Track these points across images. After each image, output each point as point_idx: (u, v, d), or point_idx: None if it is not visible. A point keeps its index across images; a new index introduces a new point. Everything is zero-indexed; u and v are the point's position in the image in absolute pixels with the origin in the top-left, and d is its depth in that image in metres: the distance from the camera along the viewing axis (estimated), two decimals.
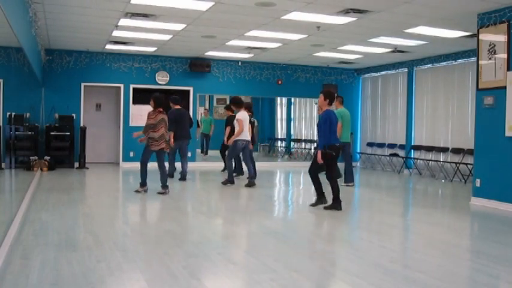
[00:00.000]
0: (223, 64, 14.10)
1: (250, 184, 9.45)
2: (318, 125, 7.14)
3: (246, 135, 9.55)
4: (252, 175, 9.55)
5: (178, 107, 10.22)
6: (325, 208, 7.04)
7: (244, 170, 10.77)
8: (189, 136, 10.47)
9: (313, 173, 7.18)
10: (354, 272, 4.14)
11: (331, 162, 7.02)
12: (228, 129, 10.56)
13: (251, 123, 10.17)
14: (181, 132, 10.09)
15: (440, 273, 4.16)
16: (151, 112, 8.26)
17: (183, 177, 10.26)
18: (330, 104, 7.15)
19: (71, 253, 4.46)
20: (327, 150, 6.91)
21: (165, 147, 8.31)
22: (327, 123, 6.96)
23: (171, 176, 10.29)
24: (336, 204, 7.00)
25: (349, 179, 9.73)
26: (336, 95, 9.40)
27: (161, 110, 8.25)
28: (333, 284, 3.90)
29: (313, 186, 7.28)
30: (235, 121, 9.60)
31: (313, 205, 7.28)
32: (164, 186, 8.27)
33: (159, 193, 8.18)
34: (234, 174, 10.14)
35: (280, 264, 4.31)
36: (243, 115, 9.54)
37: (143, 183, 8.36)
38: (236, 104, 9.80)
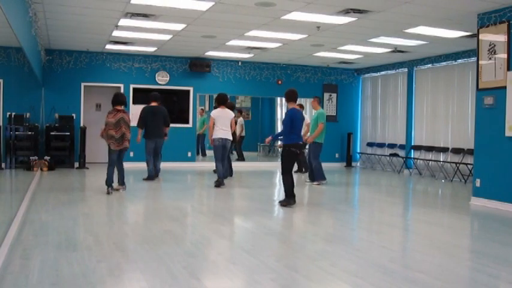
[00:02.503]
0: (223, 64, 14.10)
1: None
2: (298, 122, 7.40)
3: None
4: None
5: (154, 103, 10.10)
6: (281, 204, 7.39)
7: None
8: (162, 135, 10.12)
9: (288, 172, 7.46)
10: (354, 272, 4.14)
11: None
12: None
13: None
14: (153, 130, 9.93)
15: (440, 273, 4.16)
16: (110, 110, 8.22)
17: (156, 175, 10.21)
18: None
19: (71, 253, 4.46)
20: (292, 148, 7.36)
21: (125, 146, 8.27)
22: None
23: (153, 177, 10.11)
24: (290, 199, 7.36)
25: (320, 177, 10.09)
26: (315, 96, 10.69)
27: (119, 108, 8.18)
28: (333, 284, 3.90)
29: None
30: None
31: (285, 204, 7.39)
32: (122, 183, 8.48)
33: (115, 189, 8.32)
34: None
35: (280, 264, 4.31)
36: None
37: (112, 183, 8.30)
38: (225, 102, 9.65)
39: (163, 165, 11.07)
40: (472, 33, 8.87)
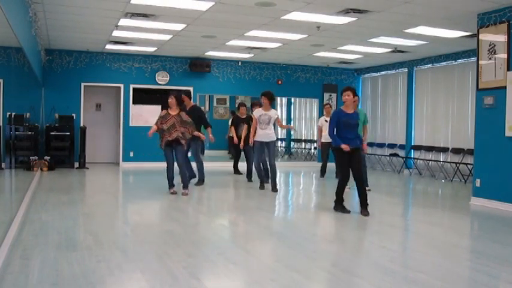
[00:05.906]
0: (223, 64, 14.10)
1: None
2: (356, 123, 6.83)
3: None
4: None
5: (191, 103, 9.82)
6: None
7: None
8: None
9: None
10: (354, 272, 4.14)
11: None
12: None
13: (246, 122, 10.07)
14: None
15: (440, 273, 4.16)
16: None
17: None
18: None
19: (71, 253, 4.46)
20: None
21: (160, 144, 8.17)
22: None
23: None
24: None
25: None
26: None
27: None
28: (333, 284, 3.90)
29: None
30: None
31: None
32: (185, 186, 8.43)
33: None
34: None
35: (281, 264, 4.31)
36: None
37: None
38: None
39: (163, 165, 10.95)
40: (472, 33, 8.87)
